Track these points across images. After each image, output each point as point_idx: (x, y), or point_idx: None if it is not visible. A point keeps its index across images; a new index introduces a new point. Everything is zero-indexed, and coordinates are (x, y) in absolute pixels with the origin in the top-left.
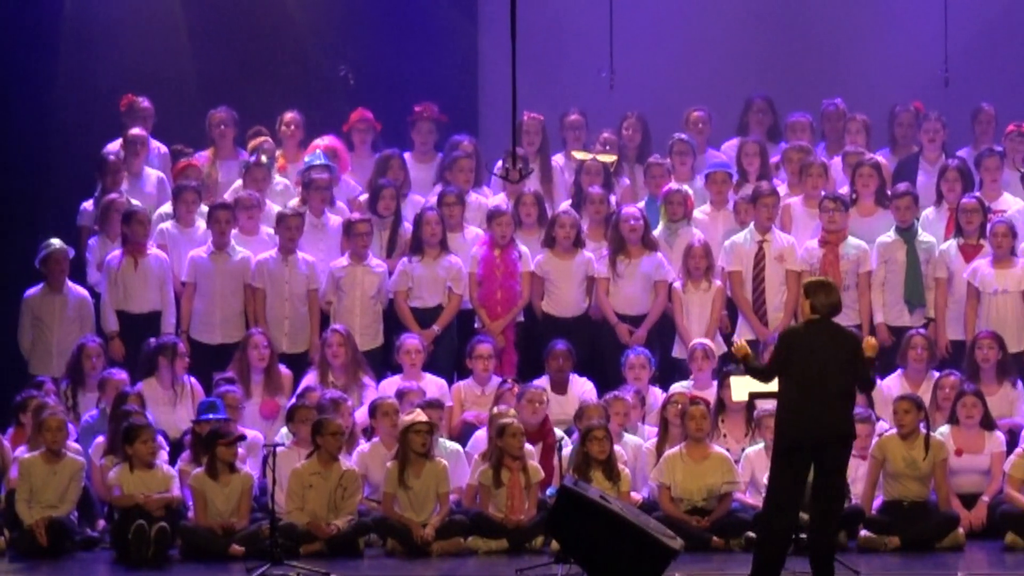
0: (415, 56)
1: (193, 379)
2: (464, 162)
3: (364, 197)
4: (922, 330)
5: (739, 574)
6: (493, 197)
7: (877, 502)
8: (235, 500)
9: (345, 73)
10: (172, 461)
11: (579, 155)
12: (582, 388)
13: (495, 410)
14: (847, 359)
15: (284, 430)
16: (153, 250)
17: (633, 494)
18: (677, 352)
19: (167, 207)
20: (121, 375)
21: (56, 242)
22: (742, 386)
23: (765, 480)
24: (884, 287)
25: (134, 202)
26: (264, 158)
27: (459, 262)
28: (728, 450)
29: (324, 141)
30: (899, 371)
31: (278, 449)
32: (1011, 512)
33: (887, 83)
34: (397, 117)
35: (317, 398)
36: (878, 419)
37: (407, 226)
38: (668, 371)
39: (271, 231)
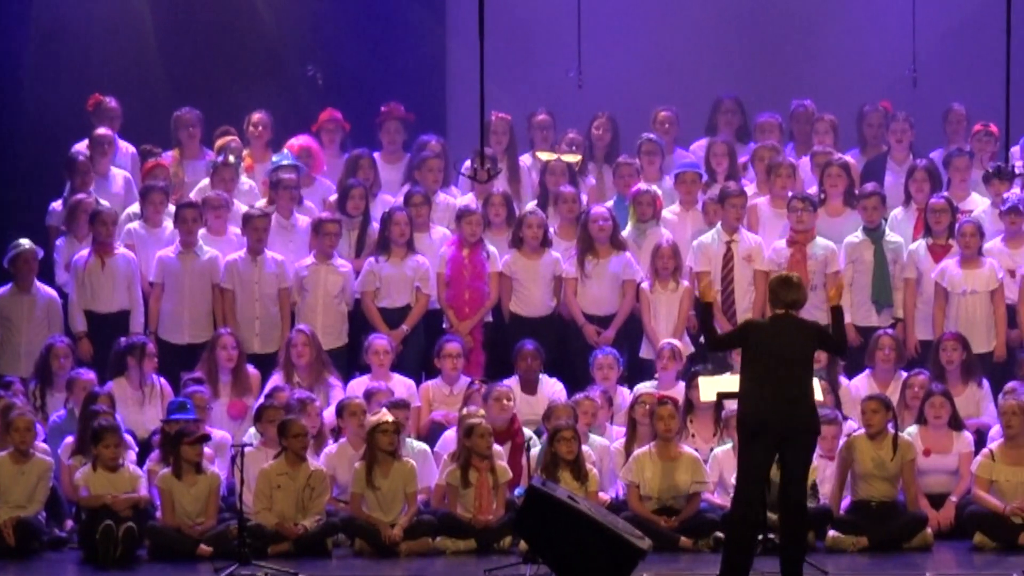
0: (383, 56)
1: (162, 379)
2: (432, 162)
3: (333, 197)
4: (890, 330)
5: (707, 574)
6: (461, 197)
7: (845, 502)
8: (203, 500)
9: (313, 73)
10: (141, 461)
11: (543, 155)
12: (551, 388)
13: (464, 410)
14: (811, 352)
15: (252, 430)
16: (121, 250)
17: (601, 494)
18: (645, 352)
19: (135, 207)
20: (89, 375)
21: (25, 242)
22: (710, 386)
23: (734, 480)
24: (852, 287)
25: (102, 202)
26: (231, 158)
27: (426, 262)
28: (696, 450)
29: (299, 141)
30: (867, 371)
31: (246, 449)
32: (979, 512)
33: (856, 83)
34: (366, 117)
35: (285, 398)
36: (846, 419)
37: (376, 226)
38: (636, 371)
39: (239, 231)
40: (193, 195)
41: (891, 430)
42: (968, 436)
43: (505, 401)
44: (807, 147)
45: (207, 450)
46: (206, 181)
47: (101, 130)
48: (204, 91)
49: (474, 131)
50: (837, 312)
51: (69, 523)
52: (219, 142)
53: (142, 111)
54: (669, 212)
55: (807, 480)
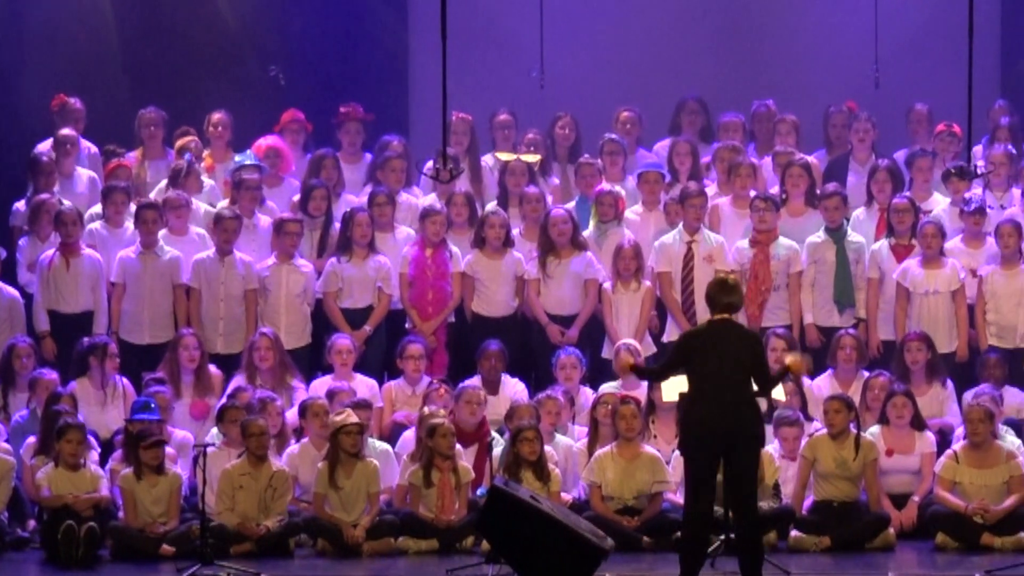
0: (346, 56)
1: (124, 379)
2: (396, 162)
3: (297, 197)
4: (852, 330)
5: (669, 574)
6: (424, 197)
7: (808, 502)
8: (164, 501)
9: (275, 73)
10: (103, 461)
11: (503, 156)
12: (513, 389)
13: (425, 410)
14: (748, 358)
15: (215, 431)
16: (86, 250)
17: (563, 494)
18: (607, 353)
19: (98, 208)
20: (52, 375)
21: None
22: (672, 387)
23: None
24: (814, 287)
25: (65, 202)
26: (185, 157)
27: (388, 262)
28: (658, 450)
29: (267, 141)
30: (829, 371)
31: (208, 450)
32: (941, 512)
33: (820, 83)
34: (328, 117)
35: (247, 399)
36: (809, 419)
37: (338, 227)
38: (598, 372)
39: (201, 231)
40: (153, 195)
41: (853, 430)
42: (930, 436)
43: (476, 404)
44: (769, 147)
45: (170, 450)
46: (166, 181)
47: (65, 130)
48: (167, 91)
49: (436, 131)
50: (783, 373)
51: (31, 523)
52: (179, 143)
53: (105, 111)
54: (631, 212)
55: (755, 483)
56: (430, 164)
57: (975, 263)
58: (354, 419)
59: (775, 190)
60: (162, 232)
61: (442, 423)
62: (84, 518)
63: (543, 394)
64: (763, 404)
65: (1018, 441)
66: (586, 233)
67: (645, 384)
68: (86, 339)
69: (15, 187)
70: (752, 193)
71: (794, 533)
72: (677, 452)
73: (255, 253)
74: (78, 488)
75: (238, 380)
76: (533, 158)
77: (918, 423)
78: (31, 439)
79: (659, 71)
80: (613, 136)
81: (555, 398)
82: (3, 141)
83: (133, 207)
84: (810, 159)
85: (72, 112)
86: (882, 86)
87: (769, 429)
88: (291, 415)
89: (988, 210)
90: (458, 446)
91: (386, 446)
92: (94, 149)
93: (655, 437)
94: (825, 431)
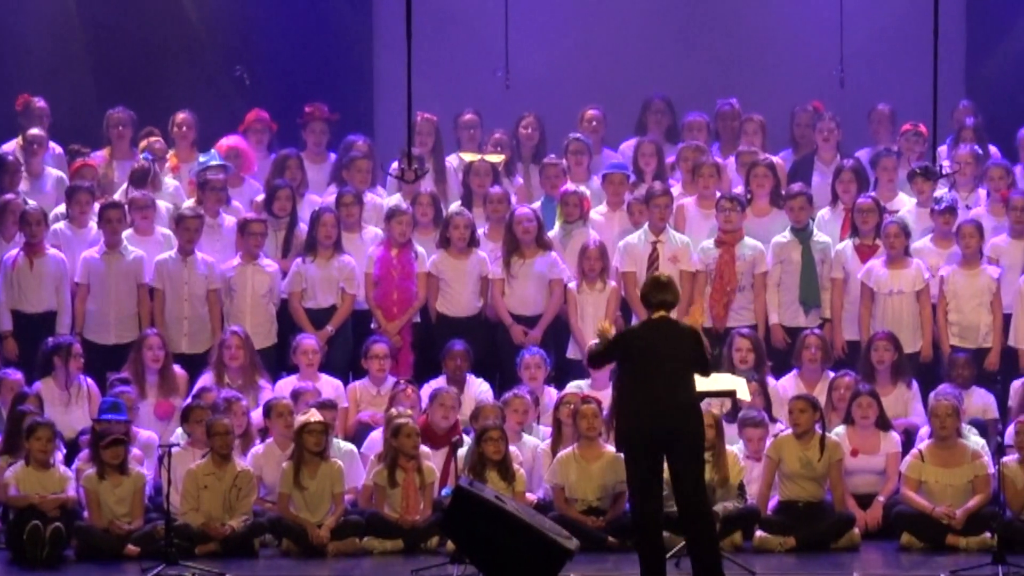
0: (310, 56)
1: (89, 380)
2: (362, 162)
3: (260, 197)
4: (817, 330)
5: (634, 574)
6: (389, 197)
7: (772, 502)
8: (128, 500)
9: (240, 73)
10: (69, 461)
11: (467, 156)
12: (478, 388)
13: (393, 411)
14: (685, 355)
15: (179, 431)
16: (51, 250)
17: (528, 494)
18: (572, 353)
19: (62, 207)
20: (17, 375)
21: None
22: None
23: None
24: (779, 287)
25: (30, 202)
26: (144, 157)
27: (352, 262)
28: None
29: (228, 141)
30: (794, 371)
31: (173, 450)
32: (906, 512)
33: (785, 83)
34: (293, 117)
35: (212, 399)
36: (773, 420)
37: (303, 227)
38: (563, 372)
39: (166, 231)
40: (118, 196)
41: (818, 430)
42: (895, 436)
43: (449, 407)
44: (733, 147)
45: (135, 451)
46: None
47: (34, 130)
48: (131, 91)
49: (401, 131)
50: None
51: None
52: (143, 143)
53: (70, 111)
54: (596, 213)
55: (701, 482)
56: (395, 164)
57: (944, 263)
58: (318, 418)
59: (739, 190)
60: (127, 232)
61: (407, 423)
62: (50, 518)
63: (510, 393)
64: (726, 404)
65: (982, 441)
66: (551, 233)
67: (611, 385)
68: (50, 339)
69: None
70: (718, 193)
71: (759, 533)
72: None
73: (220, 253)
74: (46, 488)
75: (206, 379)
76: (497, 158)
77: (883, 423)
78: None
79: (624, 71)
80: (578, 136)
81: (522, 397)
82: None
83: (98, 207)
84: (775, 159)
85: (36, 112)
86: (847, 86)
87: (733, 429)
88: (256, 415)
89: (959, 211)
90: (427, 448)
91: (351, 446)
92: (58, 149)
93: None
94: (790, 431)
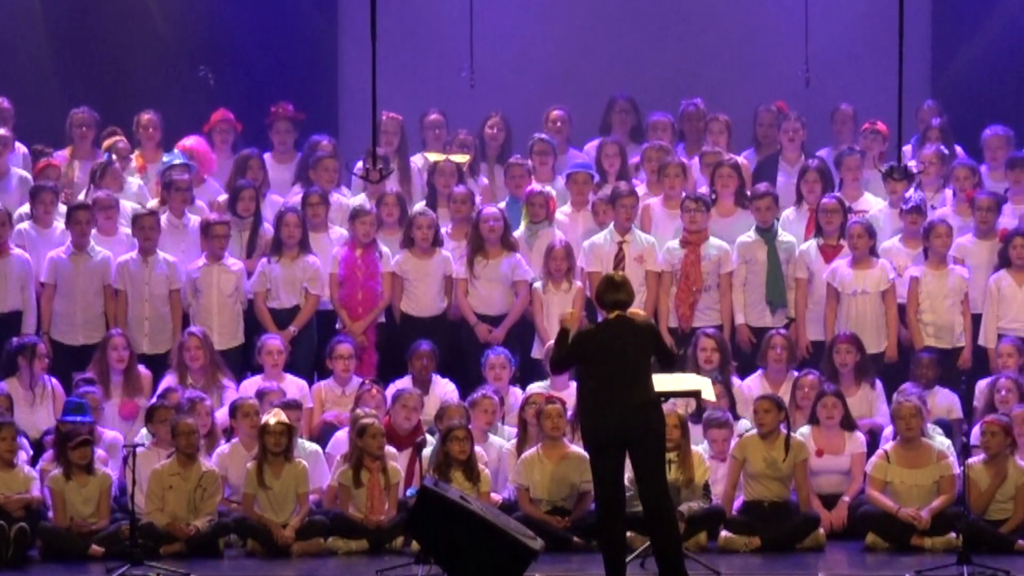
0: (275, 56)
1: (54, 380)
2: (328, 162)
3: (223, 198)
4: (782, 330)
5: (599, 574)
6: (354, 197)
7: (738, 502)
8: (94, 501)
9: (205, 73)
10: (34, 462)
11: (432, 156)
12: (444, 389)
13: (358, 411)
14: (643, 352)
15: (144, 431)
16: (15, 250)
17: (493, 494)
18: (537, 353)
19: (26, 207)
20: None
21: None
22: None
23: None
24: (745, 287)
25: None
26: (114, 157)
27: (317, 262)
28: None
29: (189, 141)
30: (759, 371)
31: (138, 450)
32: (871, 512)
33: (750, 83)
34: (258, 117)
35: (177, 399)
36: (737, 419)
37: (267, 227)
38: (528, 372)
39: (130, 231)
40: (82, 196)
41: (783, 430)
42: (860, 436)
43: (412, 407)
44: (698, 147)
45: (100, 451)
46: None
47: (0, 130)
48: (96, 91)
49: (366, 131)
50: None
51: None
52: (106, 143)
53: (34, 111)
54: (561, 213)
55: (663, 480)
56: (359, 164)
57: (913, 263)
58: (282, 418)
59: (704, 190)
60: (92, 232)
61: (372, 423)
62: (14, 518)
63: (478, 394)
64: (692, 404)
65: (947, 441)
66: (517, 233)
67: (574, 385)
68: (15, 339)
69: None
70: (683, 193)
71: (724, 533)
72: None
73: (185, 253)
74: (11, 488)
75: (169, 380)
76: (462, 158)
77: (848, 423)
78: None
79: (590, 71)
80: (543, 136)
81: (490, 398)
82: None
83: (63, 207)
84: (740, 159)
85: (1, 112)
86: (812, 86)
87: (698, 430)
88: (221, 415)
89: (927, 211)
90: (391, 448)
91: (315, 447)
92: (24, 150)
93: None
94: (755, 431)
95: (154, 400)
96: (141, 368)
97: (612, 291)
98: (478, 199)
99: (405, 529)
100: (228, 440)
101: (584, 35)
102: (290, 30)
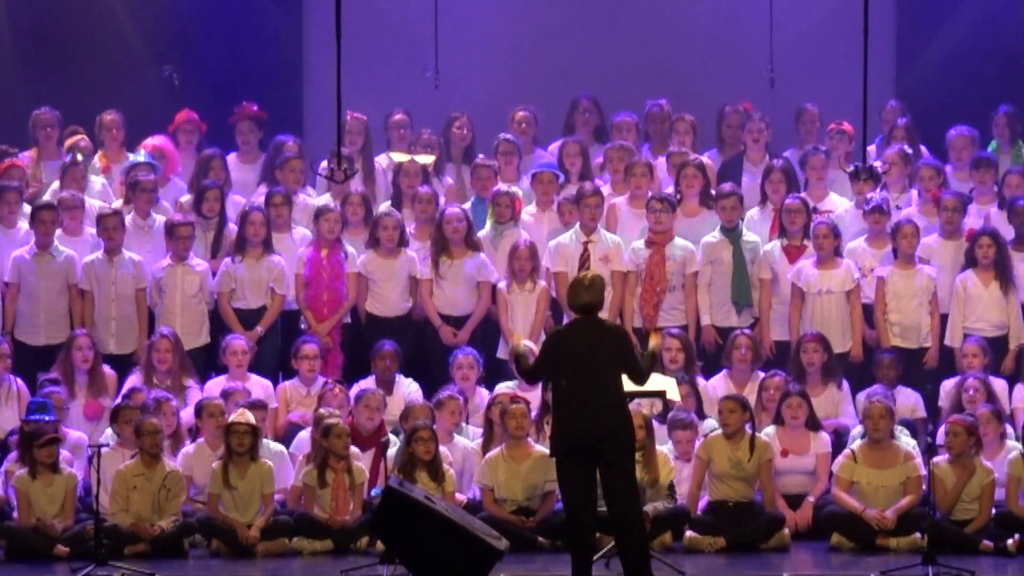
0: (240, 56)
1: (19, 380)
2: (295, 162)
3: (186, 198)
4: (747, 330)
5: (564, 574)
6: (318, 197)
7: (702, 503)
8: (59, 501)
9: (170, 73)
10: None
11: (397, 156)
12: (408, 389)
13: (321, 411)
14: (613, 355)
15: (109, 431)
16: None
17: (458, 495)
18: (502, 353)
19: None
20: None
21: None
22: None
23: None
24: (710, 288)
25: None
26: (80, 157)
27: (282, 262)
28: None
29: (153, 141)
30: (724, 371)
31: (103, 450)
32: (836, 513)
33: (714, 83)
34: (223, 117)
35: (142, 399)
36: (703, 418)
37: (232, 227)
38: (493, 372)
39: (95, 231)
40: (47, 196)
41: (748, 430)
42: (825, 437)
43: (374, 407)
44: (663, 147)
45: (64, 452)
46: (58, 182)
47: None
48: (61, 91)
49: (331, 131)
50: (652, 356)
51: None
52: (68, 142)
53: None
54: (526, 213)
55: (632, 483)
56: (324, 164)
57: (879, 263)
58: (248, 418)
59: (670, 190)
60: (56, 233)
61: (337, 423)
62: None
63: (444, 394)
64: (657, 405)
65: (912, 441)
66: (482, 234)
67: (539, 386)
68: None
69: None
70: (649, 194)
71: (689, 533)
72: None
73: (151, 253)
74: None
75: (135, 380)
76: (428, 159)
77: (813, 424)
78: None
79: (555, 71)
80: (508, 136)
81: (456, 398)
82: None
83: (27, 207)
84: (705, 159)
85: None
86: (777, 86)
87: (663, 430)
88: (186, 415)
89: (889, 211)
90: (355, 448)
91: (280, 447)
92: None
93: (549, 438)
94: (720, 431)
95: (119, 400)
96: (106, 368)
97: (584, 293)
98: (442, 199)
99: (370, 529)
100: (193, 440)
101: (549, 35)
102: (255, 30)
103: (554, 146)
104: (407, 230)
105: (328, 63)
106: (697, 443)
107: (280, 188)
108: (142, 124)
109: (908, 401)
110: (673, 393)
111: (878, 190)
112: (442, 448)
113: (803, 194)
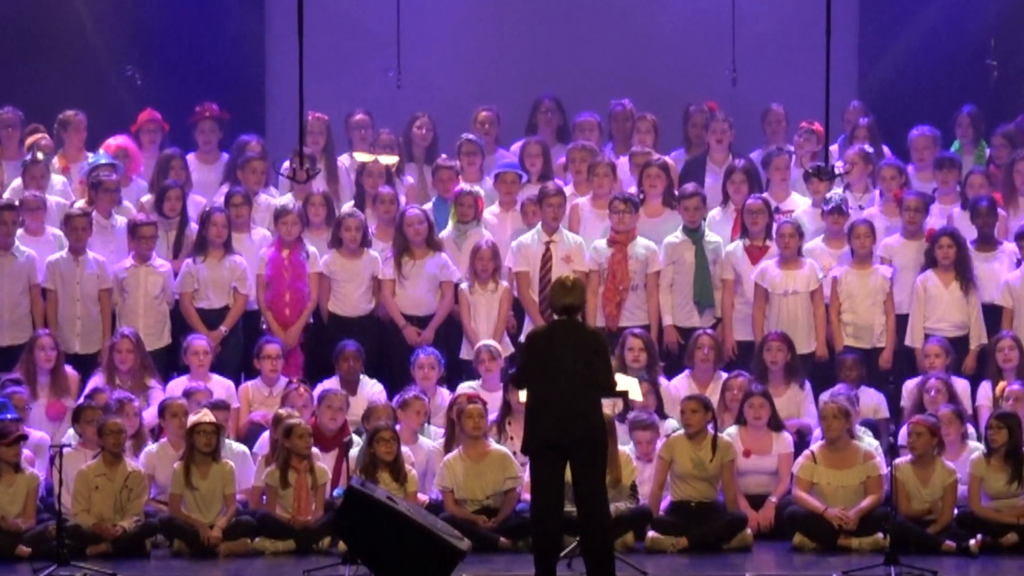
0: (202, 56)
1: None
2: (256, 163)
3: (147, 198)
4: (709, 330)
5: (526, 574)
6: (280, 197)
7: (665, 503)
8: (21, 501)
9: (132, 73)
10: None
11: (361, 156)
12: (371, 389)
13: (281, 412)
14: (589, 358)
15: (71, 431)
16: None
17: (420, 495)
18: (465, 353)
19: None
20: None
21: None
22: None
23: None
24: (672, 288)
25: None
26: (40, 155)
27: (244, 262)
28: (515, 452)
29: (116, 141)
30: (686, 372)
31: (65, 450)
32: (799, 513)
33: (678, 83)
34: (186, 117)
35: (104, 399)
36: (664, 418)
37: (193, 226)
38: (455, 372)
39: (56, 231)
40: (7, 195)
41: (711, 430)
42: (788, 437)
43: (337, 408)
44: (626, 147)
45: (27, 452)
46: (18, 181)
47: None
48: (22, 91)
49: (293, 131)
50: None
51: None
52: (28, 140)
53: None
54: (489, 213)
55: (602, 486)
56: (287, 164)
57: (836, 263)
58: (210, 418)
59: (633, 190)
60: (18, 232)
61: (299, 423)
62: None
63: (408, 394)
64: (619, 405)
65: (875, 442)
66: (444, 234)
67: (500, 387)
68: None
69: None
70: (610, 193)
71: (651, 534)
72: None
73: (113, 254)
74: None
75: (97, 380)
76: (391, 159)
77: (775, 424)
78: None
79: (518, 71)
80: (470, 136)
81: (421, 399)
82: None
83: None
84: (668, 159)
85: None
86: (740, 86)
87: (625, 430)
88: (148, 415)
89: (848, 211)
90: (316, 449)
91: (243, 447)
92: None
93: (512, 439)
94: (682, 431)
95: (81, 401)
96: (68, 368)
97: (565, 294)
98: (403, 199)
99: (332, 529)
100: (155, 441)
101: (512, 35)
102: (217, 30)
103: (516, 146)
104: (370, 230)
105: (290, 63)
106: (659, 444)
107: (240, 188)
108: (104, 124)
109: (871, 401)
110: (635, 393)
111: (843, 190)
112: (405, 448)
113: (765, 194)
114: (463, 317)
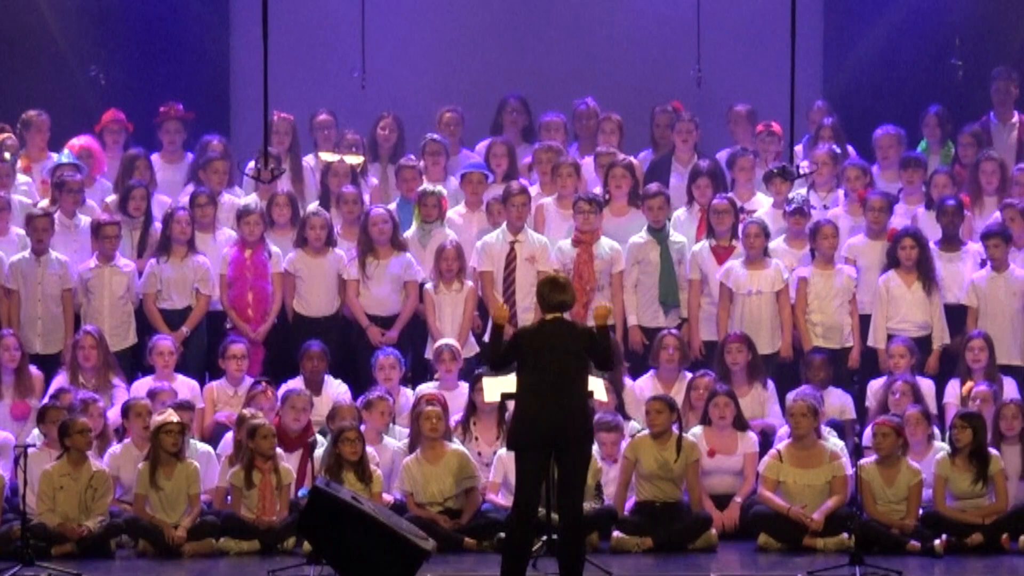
0: (167, 56)
1: None
2: (218, 163)
3: (112, 198)
4: (674, 331)
5: (491, 574)
6: (245, 197)
7: (630, 503)
8: None
9: (96, 73)
10: None
11: (326, 156)
12: (336, 389)
13: (245, 412)
14: (580, 356)
15: (36, 431)
16: None
17: (385, 495)
18: (430, 353)
19: None
20: None
21: None
22: (494, 387)
23: None
24: (637, 288)
25: None
26: (7, 155)
27: (207, 262)
28: (480, 453)
29: (80, 141)
30: (651, 372)
31: (29, 450)
32: (764, 513)
33: (643, 83)
34: (149, 117)
35: (69, 399)
36: (628, 419)
37: (157, 226)
38: (421, 372)
39: (20, 231)
40: None
41: (675, 431)
42: (752, 436)
43: (301, 408)
44: (591, 146)
45: None
46: None
47: None
48: None
49: (257, 131)
50: (603, 333)
51: None
52: None
53: None
54: (454, 213)
55: (584, 487)
56: (251, 164)
57: (797, 263)
58: (174, 418)
59: (598, 190)
60: None
61: (263, 424)
62: None
63: (373, 394)
64: (603, 394)
65: (841, 443)
66: (408, 234)
67: (464, 385)
68: None
69: None
70: (575, 193)
71: (616, 534)
72: (499, 453)
73: (77, 254)
74: None
75: (61, 379)
76: (357, 159)
77: (740, 424)
78: None
79: (482, 71)
80: (435, 136)
81: (385, 398)
82: None
83: None
84: (633, 160)
85: None
86: (705, 86)
87: None
88: (113, 415)
89: (812, 211)
90: (281, 449)
91: (207, 447)
92: None
93: (476, 439)
94: (647, 432)
95: (46, 400)
96: (33, 368)
97: (557, 292)
98: (367, 199)
99: (297, 529)
100: (119, 441)
101: (477, 35)
102: (182, 30)
103: (481, 146)
104: (335, 230)
105: (255, 63)
106: (623, 445)
107: (204, 188)
108: (68, 124)
109: (837, 402)
110: (600, 393)
111: (808, 191)
112: (370, 449)
113: (730, 194)
114: (428, 317)
